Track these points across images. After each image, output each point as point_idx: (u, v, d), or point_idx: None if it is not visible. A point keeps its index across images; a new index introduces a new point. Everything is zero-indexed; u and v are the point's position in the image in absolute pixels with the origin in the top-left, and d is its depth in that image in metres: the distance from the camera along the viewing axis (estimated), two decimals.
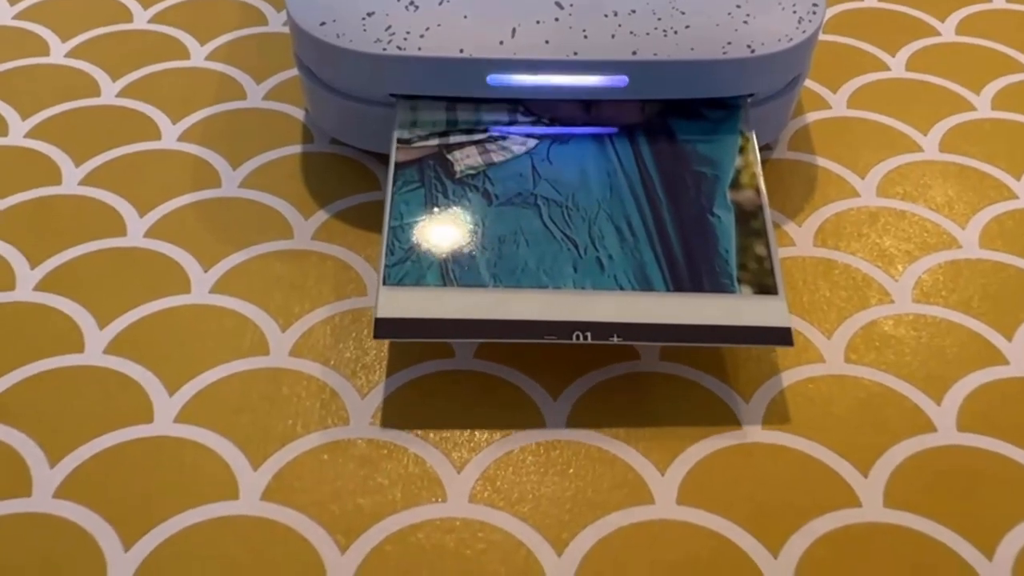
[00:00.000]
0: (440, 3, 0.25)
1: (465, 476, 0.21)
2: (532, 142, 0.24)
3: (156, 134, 0.29)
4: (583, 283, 0.22)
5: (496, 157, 0.23)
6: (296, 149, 0.28)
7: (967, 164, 0.28)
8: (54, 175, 0.27)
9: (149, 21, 0.32)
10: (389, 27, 0.25)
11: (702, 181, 0.23)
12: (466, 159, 0.23)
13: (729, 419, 0.22)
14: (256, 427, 0.22)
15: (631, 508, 0.21)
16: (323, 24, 0.25)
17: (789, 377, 0.23)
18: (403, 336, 0.21)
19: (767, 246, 0.22)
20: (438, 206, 0.23)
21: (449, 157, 0.23)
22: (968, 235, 0.26)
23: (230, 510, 0.21)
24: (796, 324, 0.24)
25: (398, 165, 0.24)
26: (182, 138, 0.28)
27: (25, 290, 0.25)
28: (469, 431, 0.22)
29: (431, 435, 0.22)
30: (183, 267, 0.25)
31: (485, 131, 0.24)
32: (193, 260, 0.25)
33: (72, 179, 0.27)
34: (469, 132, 0.24)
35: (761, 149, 0.28)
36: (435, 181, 0.23)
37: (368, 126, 0.27)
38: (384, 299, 0.21)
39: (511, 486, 0.21)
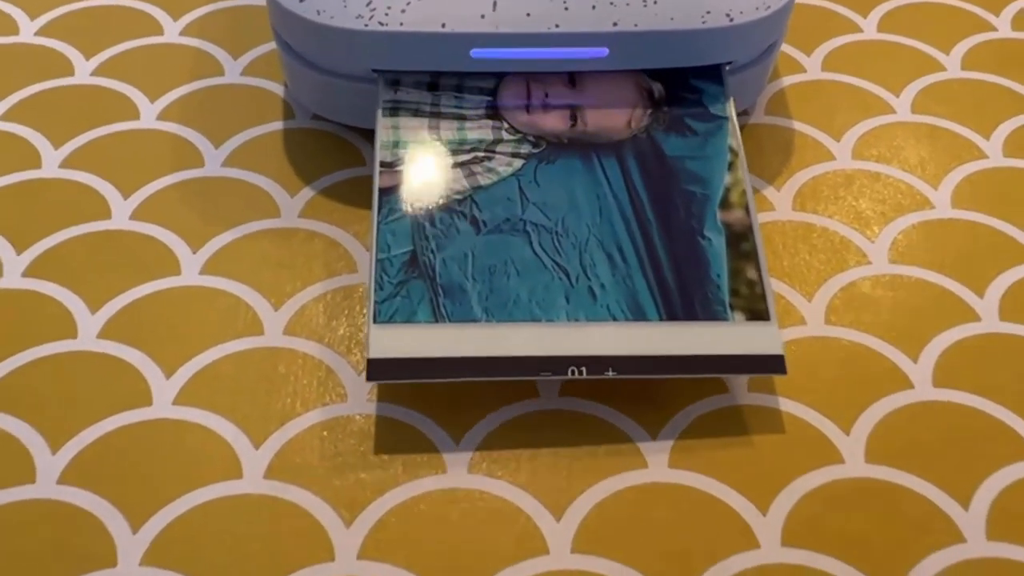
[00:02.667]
0: None
1: (463, 448, 0.22)
2: (518, 162, 0.23)
3: (134, 113, 0.28)
4: (576, 315, 0.21)
5: (482, 180, 0.22)
6: (277, 125, 0.28)
7: (938, 124, 0.29)
8: (33, 158, 0.27)
9: None
10: (370, 2, 0.25)
11: (692, 201, 0.23)
12: (452, 183, 0.23)
13: (716, 383, 0.23)
14: (255, 406, 0.22)
15: (625, 473, 0.21)
16: (303, 0, 0.25)
17: None
18: (397, 377, 0.21)
19: (758, 269, 0.22)
20: (426, 236, 0.22)
21: None
22: (940, 195, 0.27)
23: (235, 489, 0.21)
24: (778, 288, 0.25)
25: (382, 191, 0.23)
26: (161, 117, 0.28)
27: (13, 276, 0.24)
28: (465, 404, 0.23)
29: (428, 409, 0.22)
30: (171, 249, 0.25)
31: (469, 151, 0.23)
32: (181, 241, 0.25)
33: (52, 162, 0.27)
34: (454, 153, 0.23)
35: (739, 115, 0.29)
36: (421, 208, 0.23)
37: (350, 101, 0.26)
38: (375, 339, 0.21)
39: (508, 456, 0.22)
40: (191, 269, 0.25)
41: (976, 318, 0.24)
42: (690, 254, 0.22)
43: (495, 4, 0.25)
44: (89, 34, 0.30)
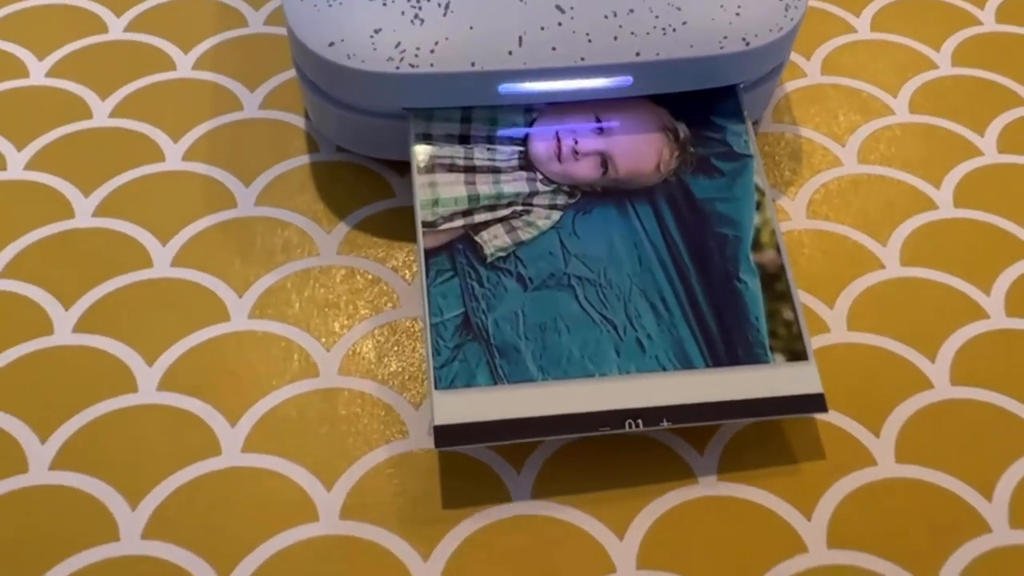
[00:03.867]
0: (445, 14, 0.25)
1: (525, 475, 0.23)
2: (556, 215, 0.24)
3: (159, 155, 0.29)
4: (627, 367, 0.22)
5: (523, 235, 0.23)
6: (304, 159, 0.29)
7: (935, 123, 0.30)
8: (65, 209, 0.27)
9: (125, 30, 0.31)
10: (399, 44, 0.25)
11: (725, 244, 0.24)
12: (494, 240, 0.23)
13: None
14: (322, 449, 0.23)
15: (678, 489, 0.23)
16: (332, 44, 0.25)
17: None
18: (463, 443, 0.21)
19: (793, 309, 0.23)
20: (475, 297, 0.23)
21: (477, 239, 0.23)
22: (943, 195, 0.29)
23: (314, 531, 0.22)
24: (803, 297, 0.26)
25: (428, 252, 0.23)
26: (187, 157, 0.28)
27: (65, 333, 0.25)
28: None
29: None
30: (217, 294, 0.26)
31: (507, 206, 0.24)
32: (225, 286, 0.26)
33: (85, 211, 0.27)
34: (492, 208, 0.24)
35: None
36: (468, 268, 0.23)
37: (378, 136, 0.27)
38: (440, 405, 0.22)
39: (567, 479, 0.23)
40: (239, 314, 0.25)
41: (985, 315, 0.26)
42: (728, 298, 0.23)
43: (520, 39, 0.25)
44: (101, 72, 0.30)
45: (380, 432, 0.24)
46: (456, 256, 0.23)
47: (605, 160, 0.25)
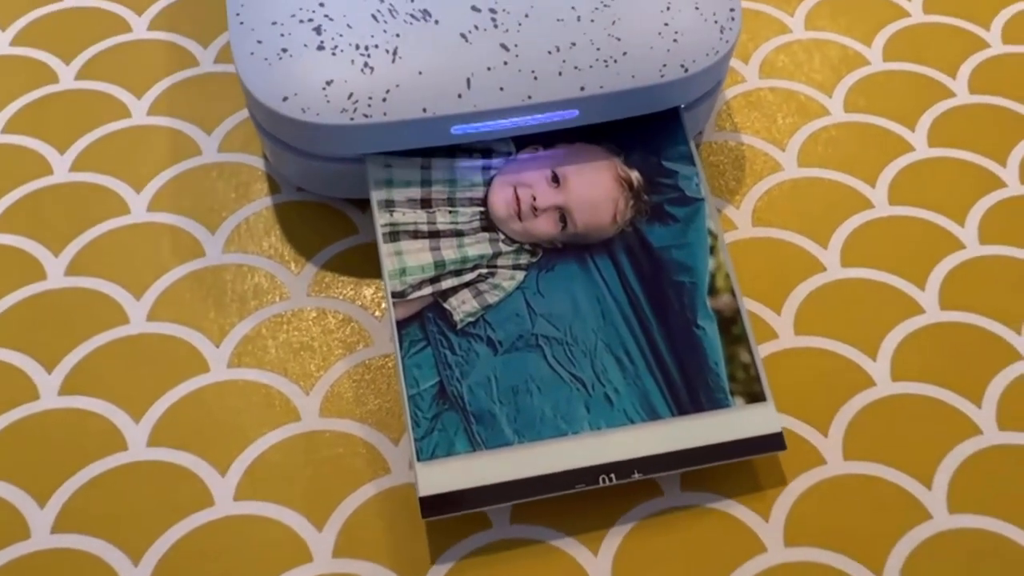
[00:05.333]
0: (394, 61, 0.26)
1: (504, 504, 0.25)
2: (520, 275, 0.24)
3: (124, 208, 0.29)
4: (597, 423, 0.23)
5: (490, 298, 0.24)
6: (266, 202, 0.29)
7: (869, 121, 0.32)
8: (36, 270, 0.28)
9: (76, 78, 0.32)
10: (351, 94, 0.26)
11: (683, 292, 0.25)
12: (463, 306, 0.24)
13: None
14: (310, 491, 0.25)
15: (644, 503, 0.25)
16: (286, 99, 0.26)
17: None
18: (448, 512, 0.23)
19: (750, 351, 0.24)
20: (449, 365, 0.23)
21: (446, 306, 0.24)
22: (878, 194, 0.30)
23: (309, 572, 0.24)
24: (750, 306, 0.28)
25: (400, 324, 0.24)
26: (151, 208, 0.29)
27: (50, 397, 0.26)
28: None
29: None
30: (195, 346, 0.27)
31: (473, 269, 0.24)
32: (202, 337, 0.27)
33: (56, 271, 0.28)
34: (458, 273, 0.24)
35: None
36: (439, 337, 0.24)
37: (336, 179, 0.28)
38: (423, 477, 0.23)
39: (543, 503, 0.25)
40: (219, 364, 0.26)
41: (920, 311, 0.28)
42: (688, 346, 0.24)
43: (468, 81, 0.26)
44: (56, 124, 0.31)
45: (364, 471, 0.25)
46: (427, 325, 0.24)
47: (564, 215, 0.26)
